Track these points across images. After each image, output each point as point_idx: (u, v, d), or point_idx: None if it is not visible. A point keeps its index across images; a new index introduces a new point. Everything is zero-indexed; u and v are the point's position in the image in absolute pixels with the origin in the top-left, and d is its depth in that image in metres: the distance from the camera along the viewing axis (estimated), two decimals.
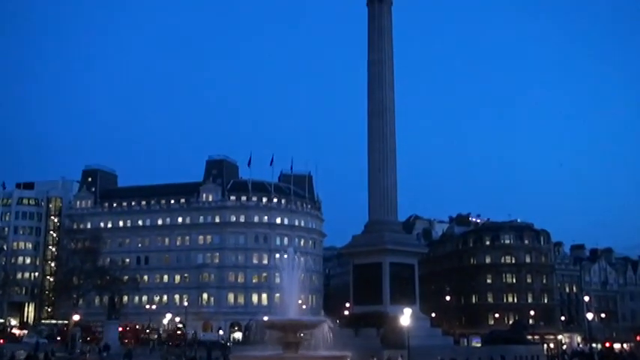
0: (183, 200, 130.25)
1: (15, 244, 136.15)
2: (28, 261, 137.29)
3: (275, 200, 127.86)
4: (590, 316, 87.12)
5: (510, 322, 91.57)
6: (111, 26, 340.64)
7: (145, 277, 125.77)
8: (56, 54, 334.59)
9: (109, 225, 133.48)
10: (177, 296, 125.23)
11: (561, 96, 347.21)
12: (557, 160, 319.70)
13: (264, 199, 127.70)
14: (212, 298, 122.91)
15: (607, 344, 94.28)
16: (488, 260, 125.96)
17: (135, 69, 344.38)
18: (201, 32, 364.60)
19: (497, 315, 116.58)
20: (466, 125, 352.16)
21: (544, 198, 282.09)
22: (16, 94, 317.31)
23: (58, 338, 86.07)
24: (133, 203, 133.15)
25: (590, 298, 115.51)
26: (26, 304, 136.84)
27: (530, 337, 77.72)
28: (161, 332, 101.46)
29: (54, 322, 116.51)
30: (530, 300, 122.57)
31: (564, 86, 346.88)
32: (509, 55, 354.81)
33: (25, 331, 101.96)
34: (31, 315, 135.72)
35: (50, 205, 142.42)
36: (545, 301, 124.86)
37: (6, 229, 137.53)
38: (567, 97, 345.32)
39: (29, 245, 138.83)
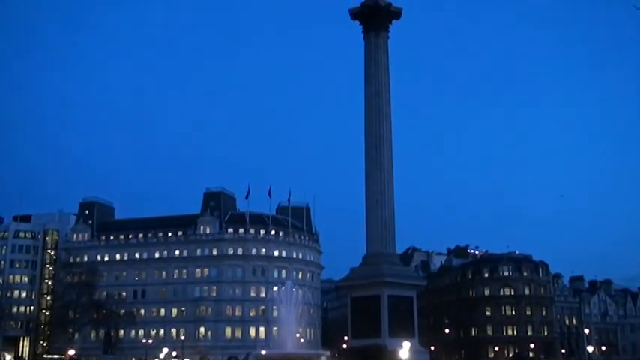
0: (180, 233, 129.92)
1: (11, 277, 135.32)
2: (23, 295, 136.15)
3: (273, 232, 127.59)
4: (590, 348, 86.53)
5: (510, 355, 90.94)
6: (108, 62, 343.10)
7: (142, 311, 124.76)
8: (53, 87, 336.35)
9: (106, 258, 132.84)
10: (174, 330, 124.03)
11: (561, 128, 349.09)
12: (555, 192, 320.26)
13: (262, 232, 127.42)
14: (209, 332, 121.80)
15: None
16: (487, 292, 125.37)
17: (132, 102, 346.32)
18: (199, 64, 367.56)
19: (497, 348, 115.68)
20: (465, 156, 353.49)
21: (542, 229, 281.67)
22: (13, 126, 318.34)
23: None
24: (130, 236, 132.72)
25: (590, 330, 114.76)
26: (21, 339, 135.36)
27: None
28: None
29: (49, 356, 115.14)
30: (529, 332, 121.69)
31: (564, 118, 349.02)
32: (510, 86, 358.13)
33: None
34: (27, 349, 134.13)
35: (47, 238, 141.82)
36: (545, 333, 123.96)
37: (2, 262, 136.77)
38: (567, 129, 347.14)
39: (25, 279, 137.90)
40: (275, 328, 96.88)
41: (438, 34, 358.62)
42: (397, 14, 48.47)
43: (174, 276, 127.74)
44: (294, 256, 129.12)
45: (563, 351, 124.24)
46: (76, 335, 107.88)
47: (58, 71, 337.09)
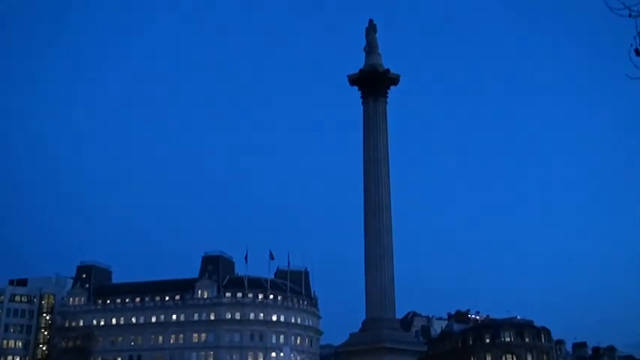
0: (177, 297, 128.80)
1: (5, 342, 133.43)
2: None
3: (271, 297, 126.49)
4: None
5: None
6: (101, 124, 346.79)
7: None
8: (48, 151, 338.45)
9: (102, 322, 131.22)
10: None
11: (562, 189, 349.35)
12: (555, 256, 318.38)
13: (260, 296, 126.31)
14: None
15: None
16: (488, 358, 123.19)
17: (130, 164, 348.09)
18: (197, 124, 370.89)
19: None
20: (465, 220, 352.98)
21: (544, 294, 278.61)
22: (9, 188, 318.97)
23: None
24: (127, 300, 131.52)
25: None
26: None
27: None
28: None
29: None
30: None
31: (564, 180, 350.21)
32: (510, 147, 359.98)
33: None
34: None
35: (43, 302, 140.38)
36: None
37: None
38: (568, 190, 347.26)
39: (19, 344, 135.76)
40: None
41: (435, 97, 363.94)
42: (395, 80, 49.25)
43: (171, 341, 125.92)
44: (293, 320, 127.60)
45: None
46: None
47: (52, 136, 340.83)
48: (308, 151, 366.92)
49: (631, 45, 11.50)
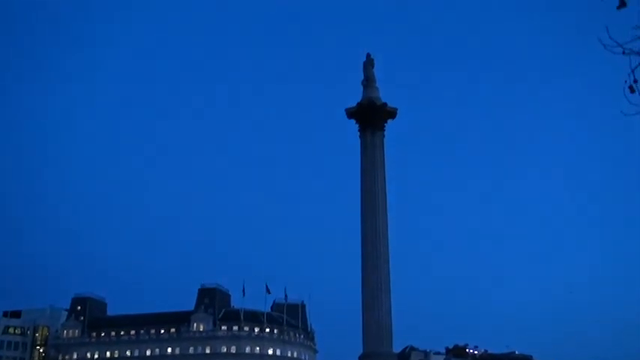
0: (173, 330, 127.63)
1: None
2: None
3: (267, 330, 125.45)
4: None
5: None
6: (91, 164, 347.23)
7: None
8: (41, 180, 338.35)
9: (96, 355, 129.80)
10: None
11: (563, 221, 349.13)
12: (553, 290, 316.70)
13: (257, 329, 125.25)
14: None
15: None
16: None
17: (126, 196, 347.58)
18: (194, 158, 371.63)
19: None
20: (463, 255, 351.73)
21: (543, 329, 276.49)
22: (3, 219, 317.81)
23: None
24: (122, 333, 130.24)
25: None
26: None
27: None
28: None
29: None
30: None
31: (563, 209, 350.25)
32: (508, 181, 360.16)
33: None
34: None
35: (37, 335, 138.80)
36: None
37: None
38: (568, 221, 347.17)
39: None
40: None
41: (432, 134, 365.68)
42: (392, 114, 49.62)
43: None
44: (290, 354, 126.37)
45: None
46: None
47: (45, 168, 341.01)
48: (305, 183, 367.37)
49: (625, 82, 11.57)
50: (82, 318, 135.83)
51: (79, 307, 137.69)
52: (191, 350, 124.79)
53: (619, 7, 11.75)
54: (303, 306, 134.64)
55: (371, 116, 49.49)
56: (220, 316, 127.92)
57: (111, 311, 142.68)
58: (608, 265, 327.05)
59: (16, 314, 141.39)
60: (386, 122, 50.31)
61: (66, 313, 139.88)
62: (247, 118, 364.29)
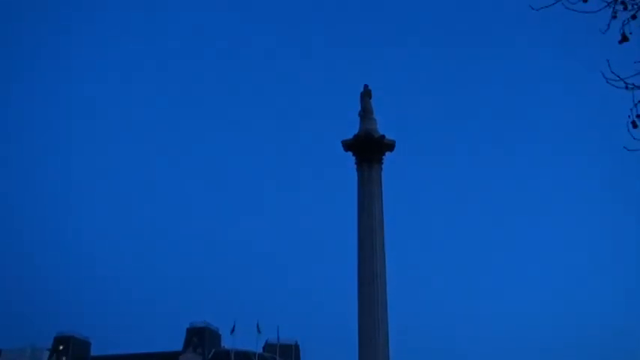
0: None
1: None
2: None
3: None
4: None
5: None
6: (76, 202, 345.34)
7: None
8: (23, 216, 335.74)
9: None
10: None
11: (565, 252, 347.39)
12: (552, 323, 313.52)
13: None
14: None
15: None
16: None
17: (111, 230, 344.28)
18: (189, 189, 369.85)
19: None
20: (460, 292, 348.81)
21: None
22: None
23: None
24: None
25: None
26: None
27: None
28: None
29: None
30: None
31: (562, 256, 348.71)
32: (506, 217, 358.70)
33: None
34: None
35: None
36: None
37: None
38: (568, 252, 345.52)
39: None
40: None
41: (428, 169, 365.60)
42: (390, 146, 47.88)
43: None
44: None
45: None
46: None
47: (27, 205, 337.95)
48: (298, 219, 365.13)
49: (628, 116, 11.80)
50: (64, 358, 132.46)
51: (61, 347, 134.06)
52: None
53: (621, 42, 11.96)
54: (297, 346, 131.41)
55: (367, 149, 47.80)
56: (210, 356, 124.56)
57: (95, 351, 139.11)
58: (619, 313, 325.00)
59: None
60: (384, 155, 48.74)
61: (48, 353, 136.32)
62: (240, 148, 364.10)
